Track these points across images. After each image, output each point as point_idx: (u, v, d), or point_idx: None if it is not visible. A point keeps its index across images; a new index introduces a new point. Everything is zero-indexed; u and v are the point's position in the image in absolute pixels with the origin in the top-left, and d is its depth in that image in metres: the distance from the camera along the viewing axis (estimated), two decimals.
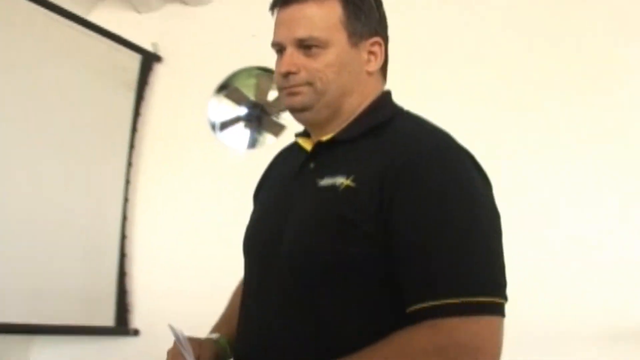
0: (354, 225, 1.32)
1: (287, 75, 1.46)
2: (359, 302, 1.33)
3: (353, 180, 1.36)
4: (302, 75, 1.45)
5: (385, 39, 1.54)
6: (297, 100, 1.47)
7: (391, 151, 1.37)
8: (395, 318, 1.29)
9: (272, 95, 3.63)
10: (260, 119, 3.64)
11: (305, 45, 1.44)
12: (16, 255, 3.04)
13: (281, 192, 1.54)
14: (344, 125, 1.49)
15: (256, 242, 1.54)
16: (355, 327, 1.32)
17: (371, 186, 1.34)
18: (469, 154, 1.42)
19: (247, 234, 1.59)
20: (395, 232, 1.30)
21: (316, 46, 1.44)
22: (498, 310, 1.27)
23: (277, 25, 1.49)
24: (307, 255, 1.37)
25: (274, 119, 3.62)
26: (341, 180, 1.37)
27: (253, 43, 3.51)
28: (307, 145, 1.54)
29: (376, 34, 1.51)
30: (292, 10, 1.46)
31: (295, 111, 1.50)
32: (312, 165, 1.48)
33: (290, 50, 1.46)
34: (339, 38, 1.45)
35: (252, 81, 3.69)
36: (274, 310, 1.39)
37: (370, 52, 1.50)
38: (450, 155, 1.39)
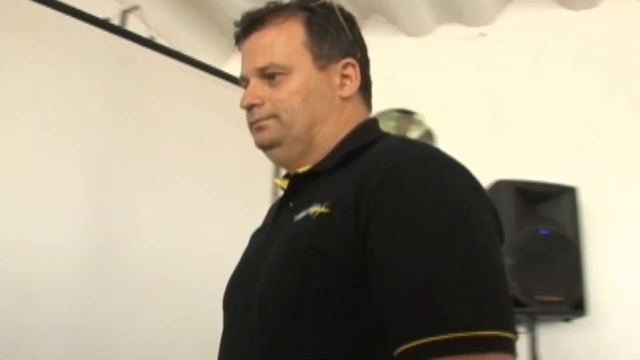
0: (327, 255, 1.12)
1: (250, 108, 1.34)
2: (340, 348, 1.10)
3: (327, 207, 1.17)
4: (267, 108, 1.33)
5: (363, 61, 1.40)
6: (264, 136, 1.35)
7: (368, 168, 1.18)
8: None
9: (413, 136, 3.54)
10: None
11: (269, 75, 1.34)
12: (165, 310, 3.06)
13: (261, 241, 1.38)
14: (322, 157, 1.35)
15: (232, 297, 1.37)
16: None
17: (346, 209, 1.14)
18: (465, 169, 1.20)
19: (226, 289, 1.42)
20: (372, 260, 1.09)
21: (280, 74, 1.33)
22: (506, 346, 1.01)
23: (242, 58, 1.38)
24: (275, 297, 1.17)
25: None
26: (315, 209, 1.19)
27: (388, 85, 3.49)
28: (285, 185, 1.39)
29: (348, 55, 1.38)
30: (252, 40, 1.37)
31: (264, 148, 1.37)
32: (291, 204, 1.33)
33: (254, 82, 1.35)
34: (303, 62, 1.34)
35: (391, 123, 3.62)
36: None
37: (344, 76, 1.37)
38: (438, 165, 1.17)
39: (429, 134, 3.46)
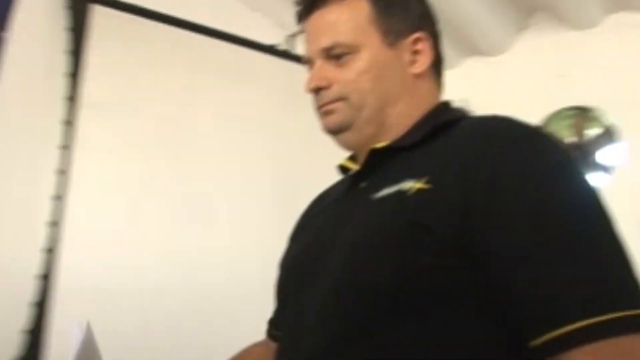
0: (431, 232, 1.01)
1: (317, 91, 1.27)
2: (440, 330, 1.00)
3: (427, 182, 1.06)
4: (335, 89, 1.24)
5: (434, 34, 1.31)
6: (333, 120, 1.26)
7: (471, 145, 1.08)
8: (499, 353, 0.99)
9: (591, 133, 3.42)
10: (583, 159, 3.42)
11: (335, 55, 1.24)
12: None
13: (325, 223, 1.27)
14: (398, 136, 1.23)
15: (295, 282, 1.24)
16: None
17: (452, 187, 1.04)
18: (566, 148, 1.09)
19: (282, 277, 1.32)
20: (496, 241, 0.99)
21: (346, 53, 1.23)
22: None
23: (306, 39, 1.29)
24: (366, 279, 1.05)
25: (597, 158, 3.39)
26: (410, 185, 1.07)
27: (561, 83, 3.42)
28: (355, 165, 1.31)
29: (418, 29, 1.27)
30: (315, 19, 1.28)
31: (333, 133, 1.28)
32: (363, 184, 1.23)
33: (320, 63, 1.26)
34: (371, 39, 1.24)
35: (567, 122, 3.51)
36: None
37: (415, 52, 1.27)
38: (547, 144, 1.08)
39: (608, 130, 3.33)
